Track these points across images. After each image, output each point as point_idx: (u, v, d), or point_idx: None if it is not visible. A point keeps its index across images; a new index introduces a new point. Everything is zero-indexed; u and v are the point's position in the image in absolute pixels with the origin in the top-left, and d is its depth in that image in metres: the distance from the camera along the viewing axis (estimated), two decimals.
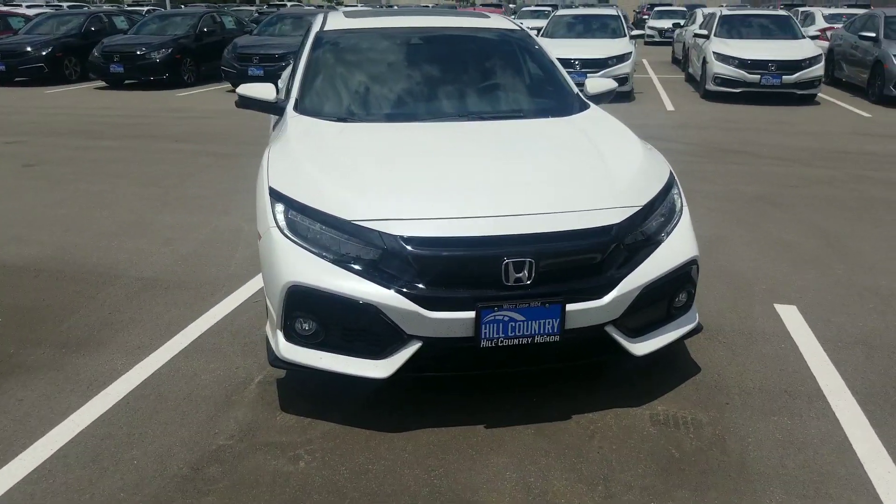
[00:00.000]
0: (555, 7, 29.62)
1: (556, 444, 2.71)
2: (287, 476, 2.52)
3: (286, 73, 5.65)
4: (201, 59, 14.55)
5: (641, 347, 2.87)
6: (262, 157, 3.31)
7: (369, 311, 2.62)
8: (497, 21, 4.56)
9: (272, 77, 12.92)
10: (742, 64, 11.55)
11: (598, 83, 4.19)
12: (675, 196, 3.13)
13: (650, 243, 2.88)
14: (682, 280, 2.94)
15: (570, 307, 2.66)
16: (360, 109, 3.76)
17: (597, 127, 3.60)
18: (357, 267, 2.66)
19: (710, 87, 11.84)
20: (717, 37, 12.50)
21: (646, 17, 31.20)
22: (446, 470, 2.56)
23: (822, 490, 2.47)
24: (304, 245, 2.74)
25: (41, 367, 3.26)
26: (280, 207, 2.87)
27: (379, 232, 2.65)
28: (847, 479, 2.52)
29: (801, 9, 20.61)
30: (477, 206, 2.73)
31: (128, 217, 5.52)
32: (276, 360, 2.84)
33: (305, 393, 3.05)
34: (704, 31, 12.93)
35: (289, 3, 34.82)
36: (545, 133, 3.49)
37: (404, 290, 2.60)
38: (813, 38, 14.54)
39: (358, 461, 2.61)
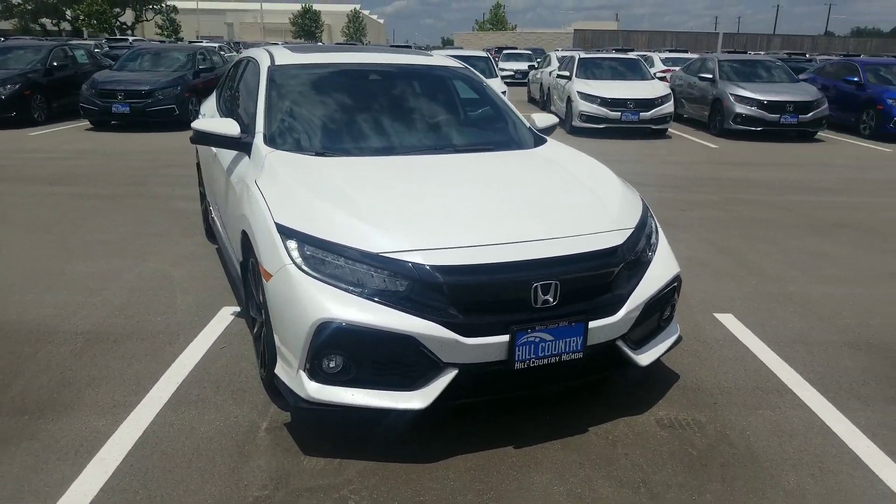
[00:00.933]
0: (497, 50, 30.02)
1: (586, 456, 2.84)
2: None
3: (208, 107, 5.46)
4: (52, 95, 13.46)
5: (645, 358, 3.09)
6: (229, 196, 3.23)
7: (407, 343, 2.63)
8: (440, 59, 4.72)
9: (140, 115, 12.28)
10: (604, 102, 12.55)
11: (544, 118, 4.46)
12: (650, 218, 3.42)
13: (642, 262, 3.12)
14: (669, 294, 3.21)
15: (591, 325, 2.82)
16: (335, 143, 3.74)
17: (567, 158, 3.84)
18: (388, 299, 2.66)
19: (577, 123, 12.74)
20: (578, 78, 13.49)
21: (496, 59, 32.86)
22: (497, 492, 2.61)
23: (824, 467, 2.78)
24: (328, 280, 2.70)
25: (8, 437, 2.92)
26: (292, 244, 2.81)
27: (411, 263, 2.67)
28: (839, 456, 2.86)
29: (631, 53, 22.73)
30: (497, 234, 2.83)
31: (32, 266, 5.03)
32: (302, 402, 2.75)
33: (323, 434, 2.97)
34: (566, 73, 13.89)
35: (130, 39, 33.01)
36: (522, 164, 3.68)
37: (441, 318, 2.64)
38: (661, 78, 16.08)
39: (406, 495, 2.59)
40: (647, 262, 3.13)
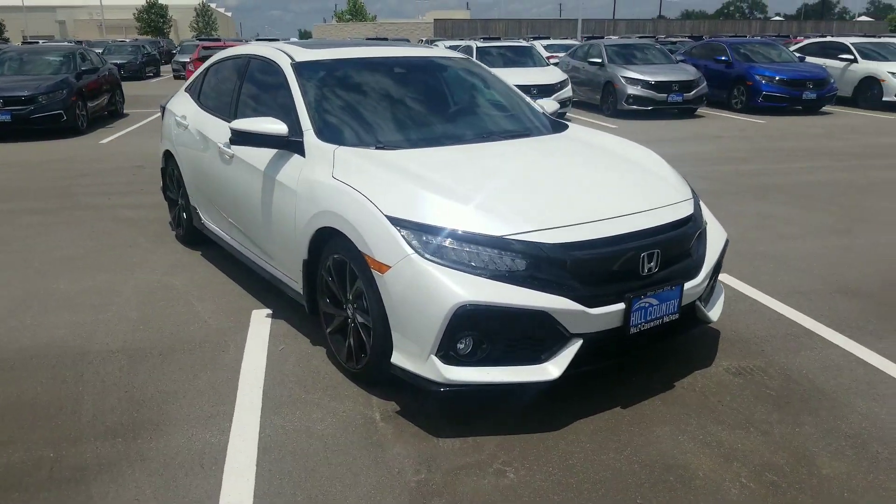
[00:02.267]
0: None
1: (687, 408, 3.12)
2: (510, 488, 2.58)
3: (185, 111, 5.23)
4: None
5: (714, 314, 3.42)
6: (275, 196, 3.39)
7: (541, 318, 2.78)
8: (444, 51, 4.83)
9: (23, 123, 11.34)
10: None
11: (551, 105, 4.69)
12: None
13: (705, 229, 3.44)
14: (722, 257, 3.55)
15: (685, 287, 3.10)
16: (392, 137, 3.77)
17: (605, 139, 4.09)
18: (514, 279, 2.80)
19: None
20: None
21: None
22: (633, 448, 2.82)
23: (877, 392, 3.22)
24: (454, 266, 2.80)
25: (115, 462, 2.78)
26: (408, 234, 2.88)
27: (536, 242, 2.82)
28: (885, 382, 3.32)
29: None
30: (599, 210, 3.04)
31: (9, 289, 4.63)
32: (437, 386, 2.83)
33: (441, 417, 3.05)
34: None
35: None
36: (570, 147, 3.89)
37: (567, 293, 2.81)
38: None
39: (555, 460, 2.75)
40: (704, 229, 3.45)
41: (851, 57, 16.16)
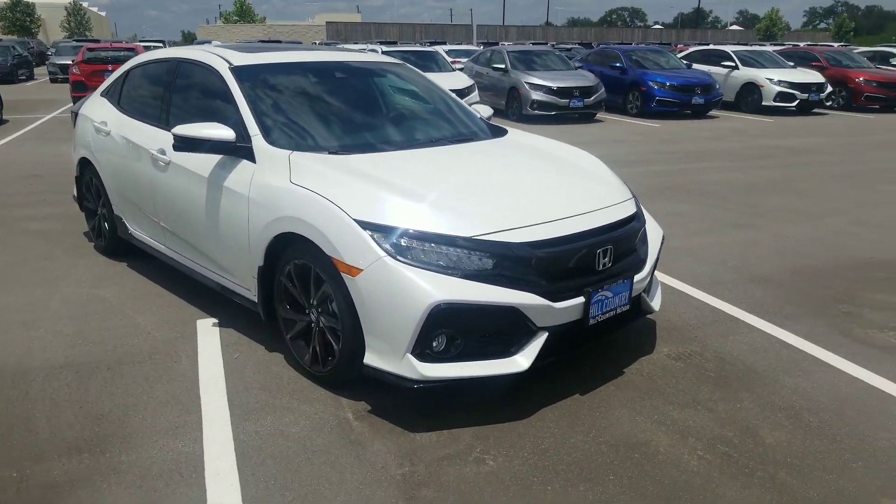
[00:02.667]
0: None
1: (640, 391, 3.36)
2: (493, 474, 2.71)
3: (94, 112, 5.04)
4: None
5: (656, 304, 3.69)
6: (222, 204, 3.48)
7: (511, 314, 2.93)
8: (378, 56, 4.91)
9: None
10: None
11: (486, 110, 4.87)
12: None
13: (644, 226, 3.70)
14: (660, 252, 3.83)
15: (634, 280, 3.34)
16: (343, 141, 3.82)
17: (544, 143, 4.30)
18: (484, 277, 2.93)
19: None
20: None
21: None
22: (598, 429, 3.02)
23: (802, 368, 3.59)
24: (425, 266, 2.90)
25: (87, 477, 2.70)
26: (379, 236, 2.96)
27: (504, 242, 2.97)
28: (805, 360, 3.69)
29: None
30: (556, 210, 3.23)
31: None
32: (414, 383, 2.92)
33: (412, 412, 3.14)
34: None
35: None
36: (515, 151, 4.06)
37: (533, 289, 2.98)
38: None
39: (528, 445, 2.90)
40: (643, 226, 3.72)
41: (733, 64, 17.40)
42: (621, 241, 3.32)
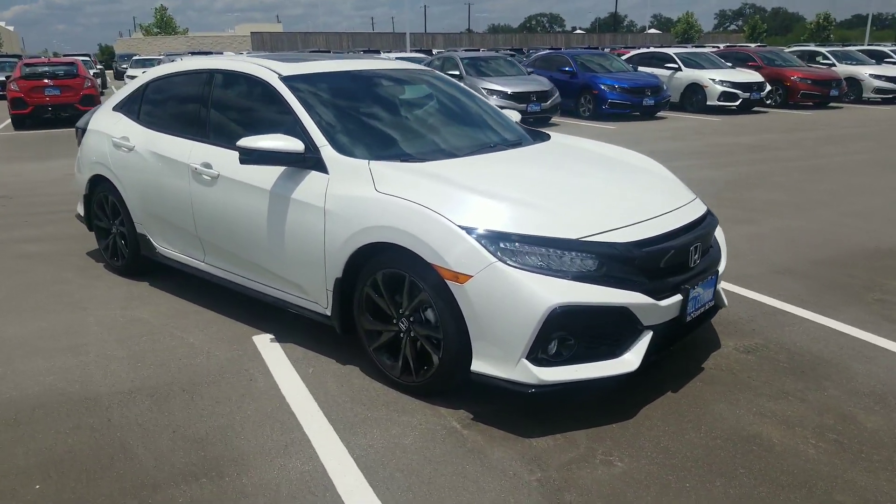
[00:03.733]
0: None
1: (728, 385, 3.44)
2: (626, 475, 2.73)
3: (110, 127, 4.85)
4: None
5: (725, 299, 3.80)
6: (290, 216, 3.49)
7: (621, 314, 2.97)
8: (410, 64, 4.88)
9: None
10: None
11: (515, 115, 4.91)
12: None
13: (716, 221, 3.80)
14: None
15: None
16: (407, 149, 3.79)
17: (592, 145, 4.36)
18: (593, 278, 2.96)
19: None
20: None
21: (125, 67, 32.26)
22: (706, 425, 3.09)
23: (863, 355, 3.75)
24: (535, 270, 2.91)
25: (217, 501, 2.59)
26: (487, 242, 2.95)
27: (609, 242, 3.01)
28: (867, 346, 3.87)
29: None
30: (646, 210, 3.29)
31: None
32: (532, 387, 2.92)
33: (516, 417, 3.13)
34: None
35: None
36: (576, 154, 4.09)
37: (639, 288, 3.03)
38: None
39: (648, 443, 2.93)
40: None
41: (676, 66, 18.03)
42: (705, 238, 3.41)
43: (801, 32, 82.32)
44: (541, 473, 2.74)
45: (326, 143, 3.61)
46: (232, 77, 4.26)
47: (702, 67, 17.94)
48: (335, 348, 3.83)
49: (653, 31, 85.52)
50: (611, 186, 3.56)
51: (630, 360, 3.03)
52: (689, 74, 17.68)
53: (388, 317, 3.36)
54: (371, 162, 3.45)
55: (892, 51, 22.41)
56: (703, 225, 3.45)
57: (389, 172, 3.37)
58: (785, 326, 4.15)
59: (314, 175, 3.56)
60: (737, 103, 17.14)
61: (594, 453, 2.88)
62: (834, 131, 13.86)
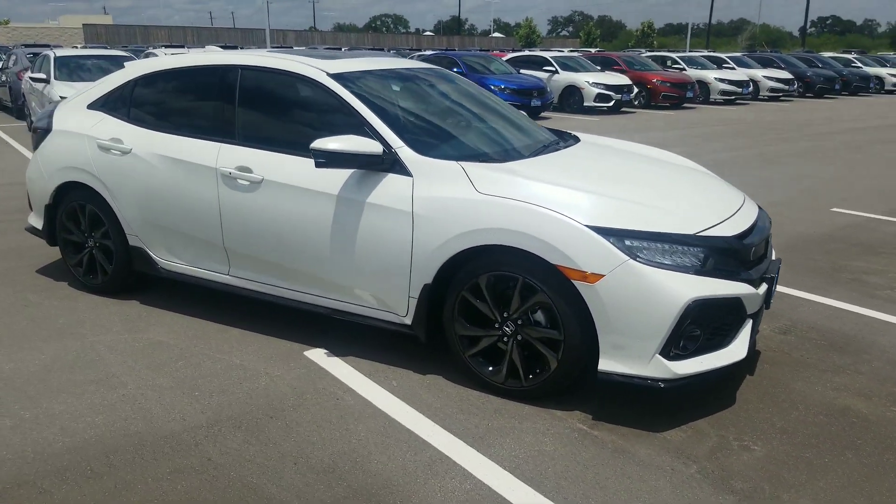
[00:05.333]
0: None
1: (791, 365, 3.68)
2: (769, 457, 2.86)
3: (91, 128, 4.35)
4: None
5: None
6: (364, 221, 3.40)
7: (736, 305, 3.11)
8: (425, 64, 4.78)
9: None
10: None
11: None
12: None
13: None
14: None
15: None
16: (478, 148, 3.74)
17: (624, 144, 4.48)
18: (708, 272, 3.07)
19: None
20: (59, 80, 11.24)
21: None
22: (803, 404, 3.29)
23: (878, 329, 4.15)
24: (664, 266, 2.97)
25: None
26: (615, 241, 2.97)
27: (721, 236, 3.13)
28: (878, 321, 4.29)
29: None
30: (726, 206, 3.43)
31: None
32: (668, 382, 2.97)
33: (632, 413, 3.18)
34: (42, 75, 11.36)
35: None
36: (625, 154, 4.17)
37: (742, 278, 3.17)
38: None
39: (768, 428, 3.07)
40: None
41: (553, 69, 18.85)
42: (770, 230, 3.63)
43: (626, 39, 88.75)
44: (695, 466, 2.80)
45: (402, 143, 3.45)
46: (266, 74, 3.94)
47: (576, 70, 18.89)
48: (401, 358, 3.69)
49: (497, 34, 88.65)
50: (685, 184, 3.68)
51: (738, 348, 3.17)
52: (566, 77, 18.55)
53: (490, 321, 3.28)
54: (462, 163, 3.35)
55: (728, 57, 24.79)
56: (766, 218, 3.67)
57: (487, 173, 3.29)
58: (797, 307, 4.50)
59: (393, 178, 3.40)
60: (610, 104, 18.21)
61: (727, 441, 2.98)
62: (706, 129, 15.11)
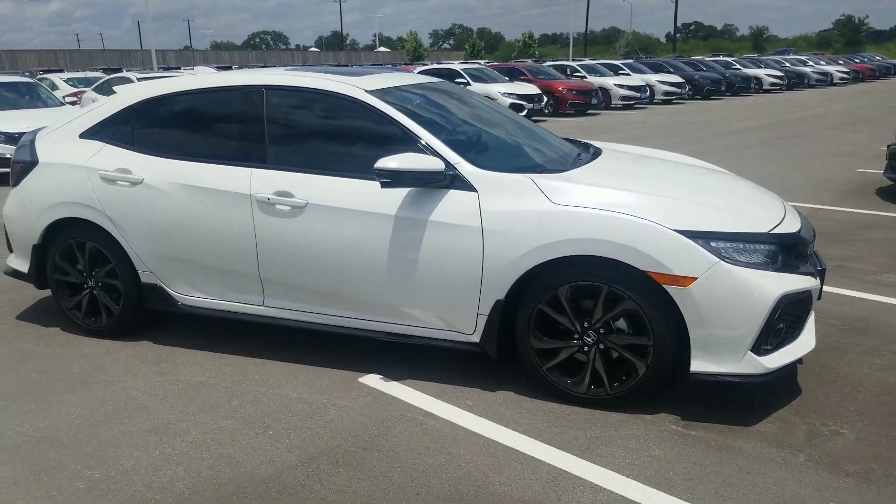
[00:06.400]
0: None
1: (829, 351, 3.89)
2: (861, 439, 3.00)
3: (90, 159, 4.03)
4: None
5: None
6: (429, 240, 3.31)
7: (808, 297, 3.26)
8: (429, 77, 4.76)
9: None
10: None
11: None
12: None
13: None
14: None
15: None
16: (536, 160, 3.75)
17: (642, 150, 4.59)
18: (781, 267, 3.19)
19: None
20: None
21: None
22: (862, 388, 3.49)
23: (883, 310, 4.48)
24: (749, 265, 3.08)
25: None
26: (703, 243, 3.05)
27: (788, 233, 3.28)
28: (875, 306, 4.62)
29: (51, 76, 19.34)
30: (773, 206, 3.57)
31: None
32: (760, 377, 3.07)
33: (712, 410, 3.27)
34: None
35: None
36: (656, 159, 4.27)
37: (806, 272, 3.34)
38: (71, 103, 14.35)
39: (843, 412, 3.22)
40: None
41: (465, 81, 19.11)
42: None
43: (508, 50, 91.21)
44: (802, 454, 2.91)
45: (460, 158, 3.41)
46: (297, 93, 3.78)
47: (486, 81, 19.26)
48: (460, 377, 3.63)
49: (382, 49, 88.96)
50: (728, 186, 3.79)
51: (808, 339, 3.32)
52: (479, 88, 18.79)
53: (569, 332, 3.27)
54: (531, 175, 3.34)
55: (623, 64, 26.01)
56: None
57: (557, 184, 3.29)
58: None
59: (455, 194, 3.35)
60: (524, 114, 18.64)
61: (816, 427, 3.11)
62: (620, 134, 15.74)
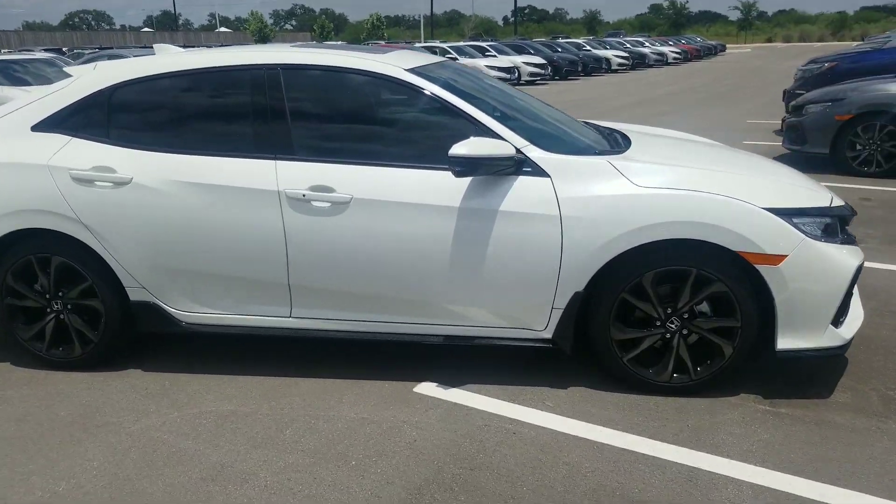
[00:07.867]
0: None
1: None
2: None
3: (55, 157, 3.39)
4: None
5: None
6: (497, 232, 3.02)
7: (861, 268, 3.33)
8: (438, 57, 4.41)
9: None
10: None
11: None
12: None
13: None
14: None
15: None
16: (578, 141, 3.55)
17: (659, 130, 4.50)
18: (839, 239, 3.24)
19: None
20: None
21: None
22: (880, 362, 3.66)
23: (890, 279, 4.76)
24: (824, 238, 3.10)
25: None
26: (788, 220, 3.03)
27: (841, 206, 3.31)
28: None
29: None
30: (807, 181, 3.63)
31: None
32: (841, 349, 3.13)
33: (781, 385, 3.29)
34: None
35: None
36: (680, 140, 4.18)
37: (854, 243, 3.41)
38: None
39: (881, 387, 3.37)
40: None
41: None
42: None
43: (357, 31, 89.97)
44: (892, 421, 2.97)
45: (527, 142, 3.16)
46: (324, 74, 3.33)
47: None
48: (521, 376, 3.43)
49: (224, 29, 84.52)
50: (764, 163, 3.76)
51: (858, 309, 3.41)
52: None
53: (651, 320, 3.15)
54: (611, 157, 3.16)
55: (490, 46, 26.41)
56: None
57: (635, 166, 3.13)
58: None
59: (525, 180, 3.10)
60: None
61: (888, 395, 3.20)
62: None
